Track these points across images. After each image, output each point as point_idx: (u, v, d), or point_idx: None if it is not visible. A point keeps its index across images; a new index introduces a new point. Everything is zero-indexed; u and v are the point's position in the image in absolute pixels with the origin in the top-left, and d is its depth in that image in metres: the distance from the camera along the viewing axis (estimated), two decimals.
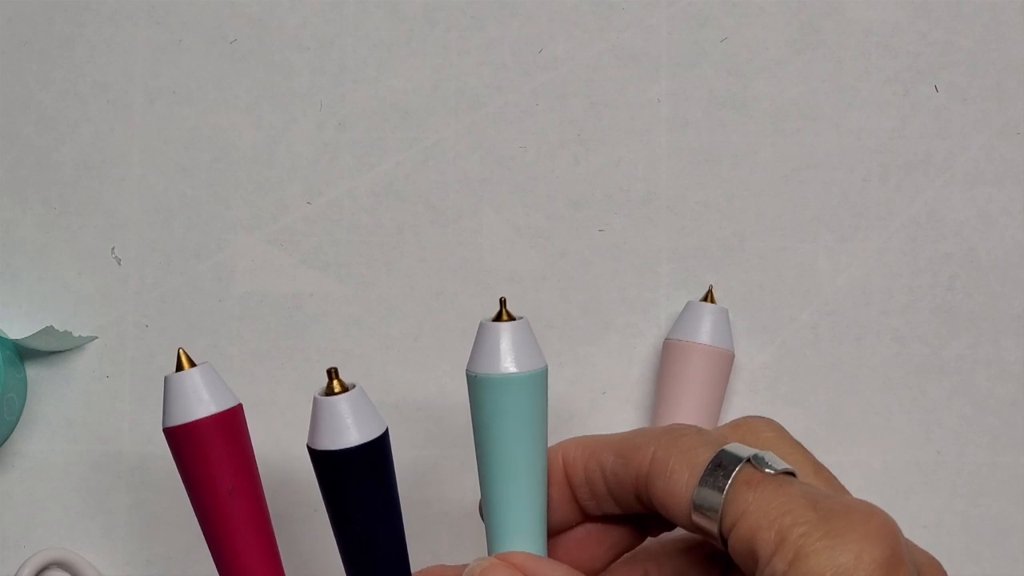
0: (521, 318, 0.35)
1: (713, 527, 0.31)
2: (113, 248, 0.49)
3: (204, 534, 0.36)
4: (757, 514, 0.30)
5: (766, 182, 0.49)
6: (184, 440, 0.35)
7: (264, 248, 0.49)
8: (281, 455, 0.48)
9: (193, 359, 0.35)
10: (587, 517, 0.36)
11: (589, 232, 0.49)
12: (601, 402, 0.48)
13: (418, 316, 0.49)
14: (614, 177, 0.49)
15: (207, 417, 0.34)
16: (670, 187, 0.49)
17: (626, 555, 0.36)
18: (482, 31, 0.50)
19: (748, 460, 0.31)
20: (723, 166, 0.49)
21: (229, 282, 0.49)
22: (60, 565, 0.46)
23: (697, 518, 0.31)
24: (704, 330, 0.45)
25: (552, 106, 0.49)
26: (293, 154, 0.49)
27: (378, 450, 0.34)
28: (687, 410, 0.45)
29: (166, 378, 0.35)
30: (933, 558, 0.32)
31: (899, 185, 0.49)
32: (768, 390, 0.48)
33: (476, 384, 0.34)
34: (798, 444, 0.34)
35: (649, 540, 0.37)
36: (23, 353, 0.48)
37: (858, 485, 0.46)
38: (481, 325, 0.35)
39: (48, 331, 0.46)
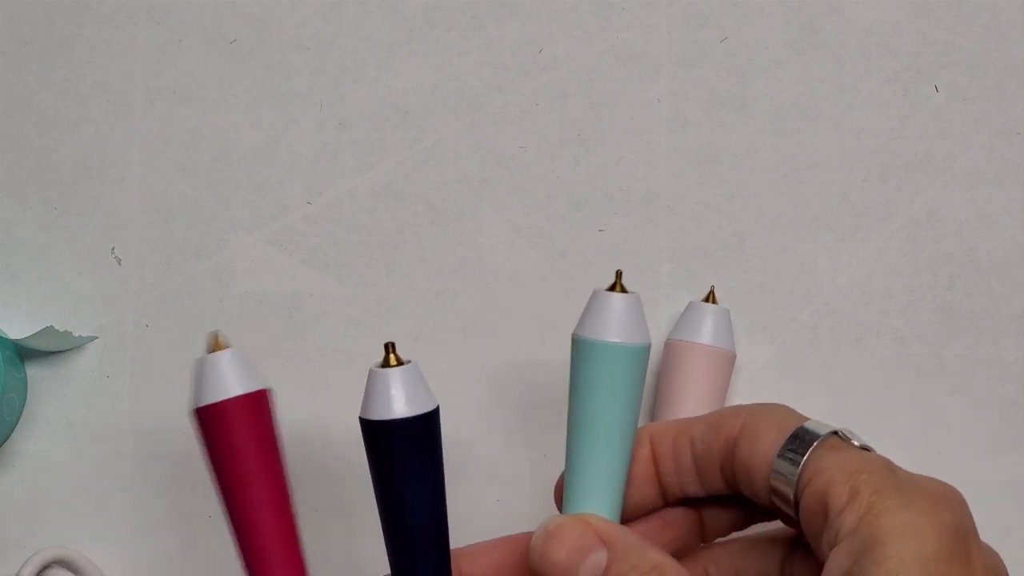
0: (634, 293, 0.35)
1: (789, 489, 0.31)
2: (113, 248, 0.49)
3: (228, 519, 0.35)
4: (834, 469, 0.30)
5: (766, 182, 0.49)
6: (211, 420, 0.34)
7: (264, 248, 0.49)
8: None
9: (223, 343, 0.35)
10: (665, 502, 0.36)
11: (589, 232, 0.49)
12: None
13: (418, 316, 0.49)
14: (614, 177, 0.49)
15: (235, 397, 0.34)
16: (670, 187, 0.49)
17: (688, 555, 0.37)
18: (482, 31, 0.50)
19: (835, 432, 0.32)
20: (723, 166, 0.49)
21: (229, 282, 0.49)
22: (62, 563, 0.46)
23: (775, 479, 0.32)
24: (706, 330, 0.45)
25: (552, 106, 0.49)
26: (293, 154, 0.49)
27: (429, 424, 0.35)
28: (688, 410, 0.45)
29: (196, 360, 0.35)
30: (996, 552, 0.32)
31: (899, 185, 0.49)
32: (768, 390, 0.48)
33: (582, 348, 0.35)
34: None
35: (711, 543, 0.37)
36: (23, 353, 0.48)
37: None
38: (595, 293, 0.36)
39: (48, 331, 0.46)
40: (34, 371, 0.49)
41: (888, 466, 0.31)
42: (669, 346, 0.46)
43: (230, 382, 0.35)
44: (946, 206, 0.48)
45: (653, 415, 0.47)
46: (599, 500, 0.35)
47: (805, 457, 0.31)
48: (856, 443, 0.32)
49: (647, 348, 0.35)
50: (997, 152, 0.49)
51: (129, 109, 0.50)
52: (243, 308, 0.49)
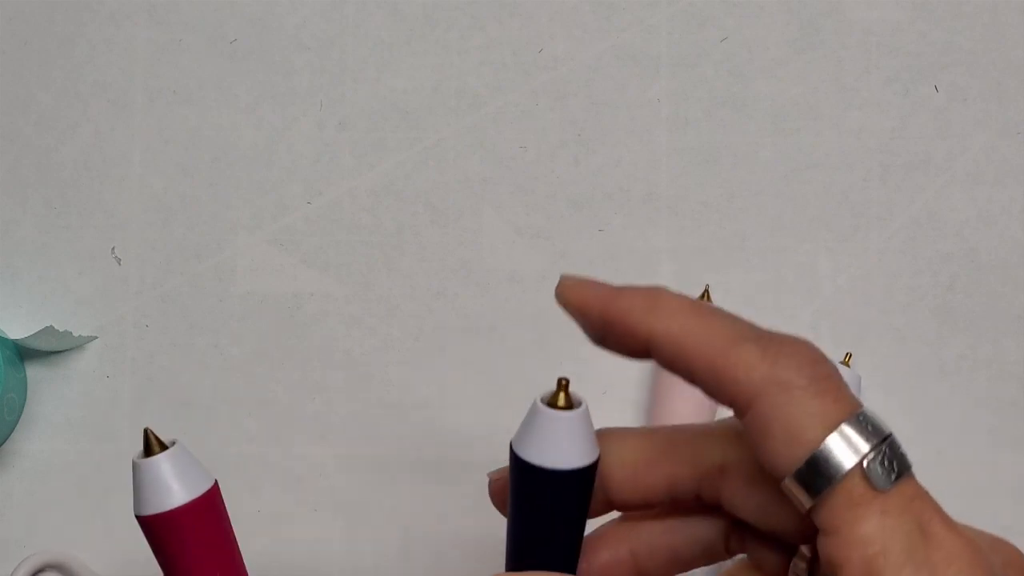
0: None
1: (802, 507, 0.27)
2: (113, 248, 0.49)
3: None
4: (849, 540, 0.26)
5: (766, 182, 0.49)
6: (157, 529, 0.33)
7: (264, 248, 0.49)
8: (281, 454, 0.48)
9: (163, 440, 0.33)
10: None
11: (589, 232, 0.49)
12: (601, 402, 0.48)
13: (418, 316, 0.49)
14: (614, 177, 0.49)
15: (179, 507, 0.33)
16: (670, 187, 0.49)
17: (608, 535, 0.33)
18: (482, 31, 0.50)
19: (862, 466, 0.27)
20: (723, 166, 0.49)
21: (229, 282, 0.49)
22: (55, 567, 0.46)
23: (788, 492, 0.28)
24: None
25: (552, 106, 0.49)
26: (293, 154, 0.49)
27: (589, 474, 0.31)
28: (682, 409, 0.45)
29: (134, 463, 0.33)
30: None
31: (899, 185, 0.49)
32: None
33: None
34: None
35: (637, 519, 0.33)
36: (23, 353, 0.48)
37: None
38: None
39: (48, 331, 0.46)
40: (34, 371, 0.49)
41: (914, 538, 0.27)
42: None
43: (174, 488, 0.33)
44: (946, 206, 0.48)
45: (648, 416, 0.47)
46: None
47: (816, 502, 0.27)
48: (885, 482, 0.27)
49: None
50: (997, 152, 0.49)
51: (129, 109, 0.50)
52: (243, 308, 0.49)
